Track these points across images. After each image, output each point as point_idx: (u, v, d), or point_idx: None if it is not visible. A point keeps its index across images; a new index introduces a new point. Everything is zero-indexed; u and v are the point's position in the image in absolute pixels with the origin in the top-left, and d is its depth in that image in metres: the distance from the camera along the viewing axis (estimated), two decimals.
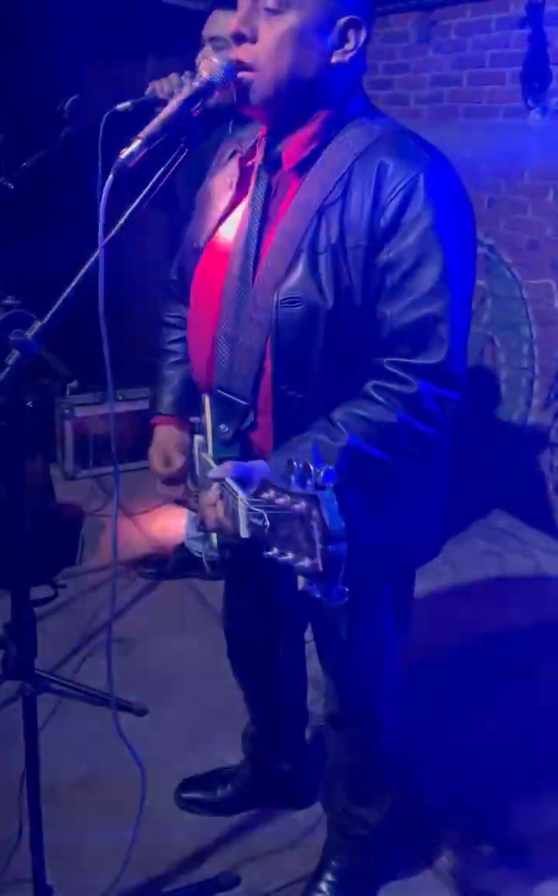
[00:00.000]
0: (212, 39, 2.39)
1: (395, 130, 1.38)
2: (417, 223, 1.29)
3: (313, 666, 1.83)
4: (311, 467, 0.98)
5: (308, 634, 1.88)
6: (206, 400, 1.51)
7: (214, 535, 1.44)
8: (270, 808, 2.13)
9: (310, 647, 1.83)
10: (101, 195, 1.22)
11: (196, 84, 1.29)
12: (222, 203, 1.50)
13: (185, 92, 1.29)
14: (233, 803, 2.12)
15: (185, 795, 2.13)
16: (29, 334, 1.23)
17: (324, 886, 1.88)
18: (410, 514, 1.53)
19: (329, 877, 1.89)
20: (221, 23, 2.33)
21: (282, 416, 1.40)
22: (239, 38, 1.32)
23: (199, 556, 3.02)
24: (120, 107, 2.03)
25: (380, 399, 1.33)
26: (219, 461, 1.42)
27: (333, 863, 1.91)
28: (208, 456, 1.46)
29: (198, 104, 1.30)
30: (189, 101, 1.29)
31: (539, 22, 3.34)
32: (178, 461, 1.65)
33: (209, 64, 1.30)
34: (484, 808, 2.16)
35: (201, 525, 1.40)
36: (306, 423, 1.35)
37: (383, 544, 1.51)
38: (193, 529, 3.03)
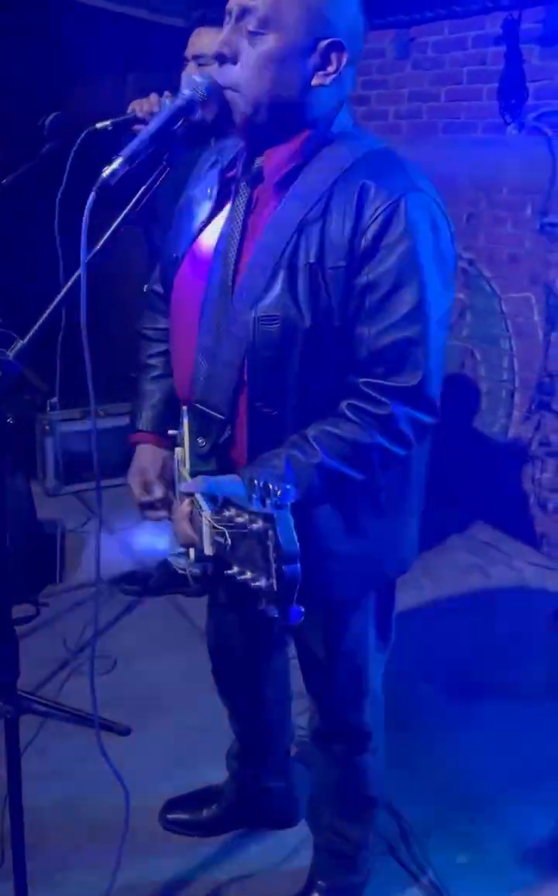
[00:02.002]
0: (196, 57, 2.39)
1: (378, 150, 1.39)
2: (397, 246, 1.30)
3: (297, 680, 1.82)
4: (271, 486, 0.98)
5: (291, 650, 1.87)
6: (185, 413, 1.50)
7: (192, 550, 1.43)
8: (256, 828, 2.11)
9: (294, 662, 1.81)
10: (84, 213, 1.22)
11: (178, 102, 1.30)
12: (202, 214, 1.50)
13: (168, 110, 1.29)
14: (218, 823, 2.10)
15: (170, 816, 2.11)
16: (10, 354, 1.22)
17: None
18: (385, 528, 1.53)
19: None
20: (205, 41, 2.34)
21: (257, 431, 1.40)
22: (220, 59, 1.32)
23: (182, 572, 2.99)
24: (99, 125, 2.04)
25: (355, 419, 1.33)
26: (195, 475, 1.42)
27: (320, 882, 1.89)
28: (185, 469, 1.45)
29: (180, 121, 1.30)
30: (170, 119, 1.29)
31: (515, 39, 3.38)
32: (158, 491, 1.63)
33: (190, 82, 1.30)
34: (469, 824, 2.16)
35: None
36: (282, 440, 1.35)
37: (359, 558, 1.51)
38: (175, 545, 3.01)
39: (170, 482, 1.64)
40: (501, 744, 2.43)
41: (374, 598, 1.63)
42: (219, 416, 1.43)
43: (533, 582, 3.38)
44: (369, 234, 1.30)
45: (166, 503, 1.64)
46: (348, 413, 1.34)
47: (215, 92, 1.31)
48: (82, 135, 1.65)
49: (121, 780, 1.54)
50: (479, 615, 3.13)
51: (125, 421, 3.59)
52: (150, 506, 1.66)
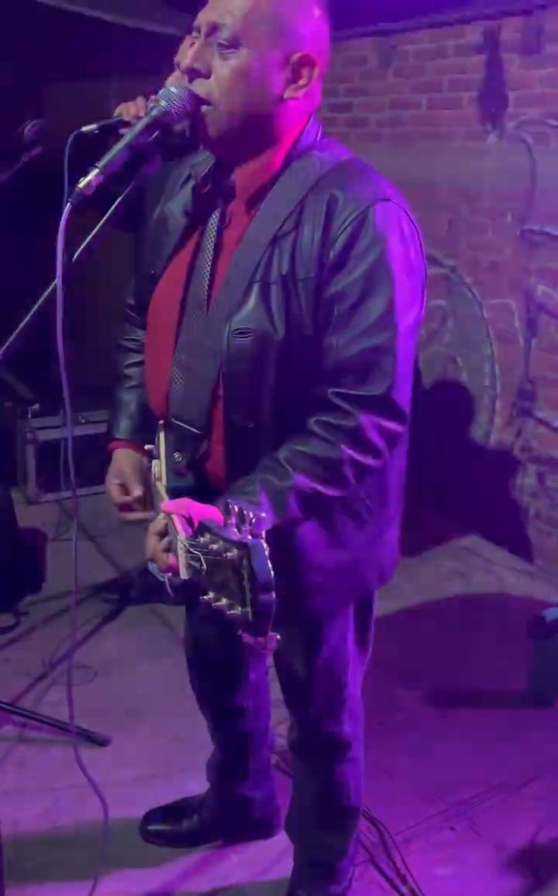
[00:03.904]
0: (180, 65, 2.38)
1: (346, 161, 1.40)
2: (366, 256, 1.30)
3: (276, 690, 1.82)
4: (246, 513, 0.98)
5: (269, 660, 1.86)
6: (161, 428, 1.50)
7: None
8: (237, 839, 2.10)
9: (273, 672, 1.81)
10: (61, 223, 1.22)
11: (154, 112, 1.30)
12: (177, 230, 1.50)
13: (143, 121, 1.29)
14: (199, 834, 2.09)
15: (150, 828, 2.09)
16: None
17: None
18: (366, 539, 1.53)
19: None
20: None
21: (234, 445, 1.40)
22: (192, 74, 1.32)
23: (163, 580, 2.99)
24: (85, 129, 2.02)
25: (323, 434, 1.33)
26: (172, 490, 1.42)
27: (301, 892, 1.89)
28: (161, 485, 1.45)
29: (156, 132, 1.30)
30: (146, 130, 1.29)
31: (495, 48, 3.40)
32: (136, 490, 1.62)
33: (167, 93, 1.30)
34: (449, 832, 2.15)
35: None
36: (259, 453, 1.35)
37: (340, 570, 1.51)
38: None
39: (148, 486, 1.63)
40: (482, 751, 2.43)
41: (353, 608, 1.63)
42: (195, 430, 1.42)
43: (515, 588, 3.39)
44: (338, 245, 1.31)
45: (144, 503, 1.63)
46: (316, 429, 1.34)
47: (191, 104, 1.31)
48: (70, 138, 1.63)
49: (98, 791, 1.53)
50: (461, 621, 3.13)
51: (104, 429, 3.58)
52: (128, 507, 1.64)
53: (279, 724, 2.11)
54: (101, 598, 3.11)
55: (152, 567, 3.30)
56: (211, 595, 1.02)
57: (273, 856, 2.05)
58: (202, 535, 1.05)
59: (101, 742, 2.36)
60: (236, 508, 1.00)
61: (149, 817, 2.11)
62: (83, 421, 3.68)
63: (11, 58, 3.61)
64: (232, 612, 0.99)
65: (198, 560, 1.04)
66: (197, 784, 2.13)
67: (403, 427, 1.38)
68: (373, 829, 2.13)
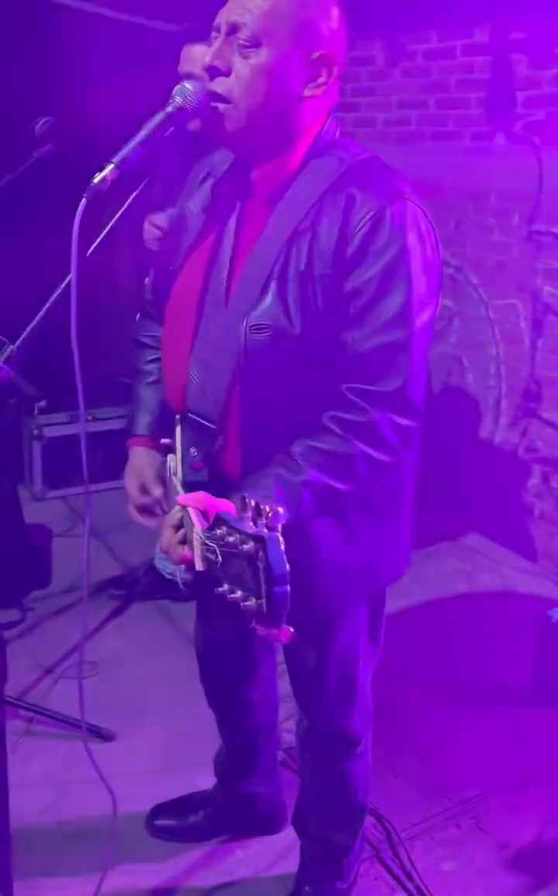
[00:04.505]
0: (189, 76, 2.39)
1: (365, 159, 1.41)
2: (383, 253, 1.31)
3: (284, 685, 1.82)
4: (263, 507, 0.99)
5: (279, 655, 1.87)
6: (178, 422, 1.51)
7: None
8: (243, 834, 2.10)
9: (281, 668, 1.82)
10: (76, 219, 1.23)
11: (168, 109, 1.31)
12: (196, 227, 1.51)
13: (158, 116, 1.30)
14: (205, 829, 2.09)
15: (157, 822, 2.10)
16: (0, 359, 1.23)
17: None
18: (379, 535, 1.54)
19: None
20: (196, 56, 2.33)
21: (251, 439, 1.41)
22: (213, 72, 1.33)
23: (170, 577, 3.00)
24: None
25: (337, 430, 1.34)
26: (187, 484, 1.43)
27: (306, 887, 1.89)
28: (177, 480, 1.46)
29: (171, 129, 1.31)
30: (161, 126, 1.30)
31: (503, 48, 3.41)
32: (156, 490, 1.63)
33: (182, 90, 1.31)
34: (455, 829, 2.16)
35: None
36: (274, 448, 1.36)
37: (353, 565, 1.52)
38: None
39: (165, 483, 1.64)
40: (487, 749, 2.44)
41: (365, 604, 1.63)
42: (211, 425, 1.43)
43: (520, 587, 3.39)
44: (356, 242, 1.31)
45: (158, 507, 1.64)
46: (330, 425, 1.35)
47: (206, 101, 1.31)
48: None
49: (108, 785, 1.53)
50: (466, 620, 3.13)
51: (113, 425, 3.61)
52: (146, 509, 1.65)
53: (285, 721, 2.11)
54: (106, 594, 3.12)
55: (159, 564, 3.33)
56: (226, 587, 1.03)
57: (279, 851, 2.06)
58: (218, 528, 1.05)
59: (108, 737, 2.37)
60: (253, 503, 1.01)
61: (156, 812, 2.12)
62: (91, 418, 3.69)
63: (21, 55, 3.62)
64: (246, 603, 1.00)
65: (214, 552, 1.05)
66: (204, 779, 2.14)
67: (417, 423, 1.38)
68: (379, 825, 2.14)
